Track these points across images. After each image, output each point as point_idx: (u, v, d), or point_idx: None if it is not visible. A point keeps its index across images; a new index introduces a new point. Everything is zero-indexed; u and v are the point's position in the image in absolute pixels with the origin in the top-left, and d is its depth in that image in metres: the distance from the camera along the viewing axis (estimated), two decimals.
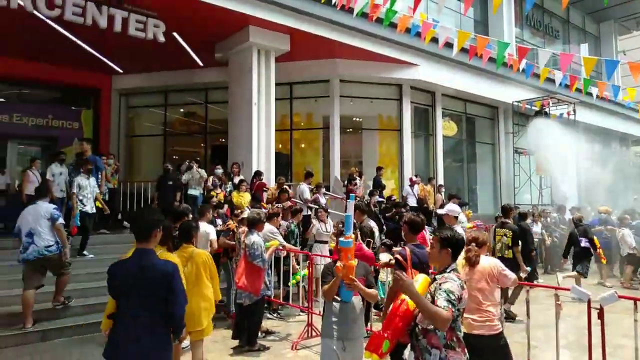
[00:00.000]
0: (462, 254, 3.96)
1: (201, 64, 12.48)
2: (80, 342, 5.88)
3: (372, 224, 7.42)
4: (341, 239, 3.33)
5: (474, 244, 3.98)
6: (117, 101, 14.29)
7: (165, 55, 11.50)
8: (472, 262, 3.90)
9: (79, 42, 10.67)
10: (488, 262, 3.96)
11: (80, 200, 7.74)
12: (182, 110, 14.78)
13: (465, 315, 3.62)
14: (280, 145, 12.65)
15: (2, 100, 12.62)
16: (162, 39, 9.25)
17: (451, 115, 15.64)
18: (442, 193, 12.87)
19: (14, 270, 6.42)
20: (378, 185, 11.33)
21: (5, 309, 6.17)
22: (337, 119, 12.67)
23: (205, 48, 11.34)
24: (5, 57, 11.65)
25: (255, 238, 5.65)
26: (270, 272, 5.89)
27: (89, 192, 7.91)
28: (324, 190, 10.25)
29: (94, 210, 8.08)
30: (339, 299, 3.50)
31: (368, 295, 3.61)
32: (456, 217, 5.82)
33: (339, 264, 3.36)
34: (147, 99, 14.60)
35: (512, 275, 4.00)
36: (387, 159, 13.66)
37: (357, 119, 14.15)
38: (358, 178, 11.10)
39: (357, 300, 3.59)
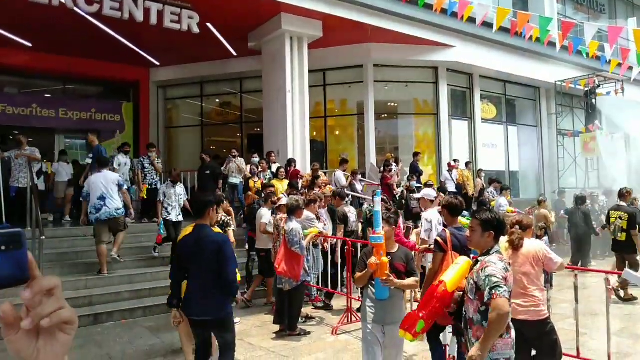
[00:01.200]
0: (505, 237, 3.86)
1: (235, 53, 12.56)
2: (128, 325, 6.13)
3: (348, 209, 7.69)
4: (371, 235, 3.28)
5: (517, 227, 3.85)
6: (156, 93, 14.63)
7: (200, 46, 11.64)
8: (515, 245, 3.79)
9: (117, 36, 10.93)
10: (533, 246, 3.83)
11: (165, 209, 7.64)
12: (217, 100, 14.98)
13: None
14: (314, 133, 12.64)
15: (48, 95, 13.17)
16: (196, 29, 9.37)
17: (490, 97, 15.16)
18: (482, 178, 12.54)
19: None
20: (415, 171, 11.14)
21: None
22: (371, 105, 12.51)
23: (239, 37, 11.39)
24: (51, 55, 12.11)
25: (294, 225, 5.69)
26: (309, 258, 5.93)
27: (174, 200, 7.69)
28: (359, 176, 10.17)
29: (180, 219, 7.75)
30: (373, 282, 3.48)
31: (407, 286, 3.57)
32: (432, 201, 6.18)
33: (372, 259, 3.32)
34: (183, 90, 14.88)
35: (558, 259, 3.86)
36: (423, 144, 13.41)
37: (392, 104, 13.94)
38: (394, 164, 10.95)
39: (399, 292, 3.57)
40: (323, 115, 13.10)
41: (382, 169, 11.17)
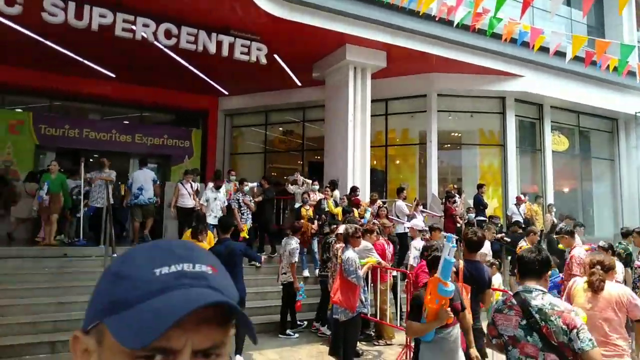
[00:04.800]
0: (584, 278, 3.57)
1: (299, 83, 12.91)
2: None
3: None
4: (441, 286, 3.01)
5: (598, 267, 3.55)
6: (223, 121, 15.30)
7: (266, 77, 12.10)
8: (595, 288, 3.48)
9: (191, 67, 11.63)
10: (616, 290, 3.50)
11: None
12: (280, 128, 15.39)
13: None
14: (375, 162, 12.57)
15: (126, 122, 14.17)
16: (264, 61, 9.74)
17: (561, 128, 14.41)
18: (553, 213, 11.81)
19: None
20: (479, 204, 10.72)
21: None
22: (434, 135, 12.30)
23: (303, 68, 11.72)
24: (131, 85, 13.09)
25: (350, 254, 5.60)
26: (366, 289, 5.79)
27: (213, 205, 8.61)
28: (421, 207, 9.93)
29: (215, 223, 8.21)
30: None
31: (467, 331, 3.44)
32: (420, 231, 6.86)
33: (443, 311, 3.09)
34: (249, 118, 15.45)
35: None
36: (488, 176, 12.91)
37: (456, 134, 13.61)
38: (457, 195, 10.61)
39: (455, 330, 3.37)
40: (384, 144, 13.03)
41: (443, 200, 10.87)
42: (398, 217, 9.57)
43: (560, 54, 9.75)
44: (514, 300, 2.63)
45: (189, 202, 8.97)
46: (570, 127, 14.63)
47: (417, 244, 6.66)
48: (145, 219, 9.52)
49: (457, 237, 9.76)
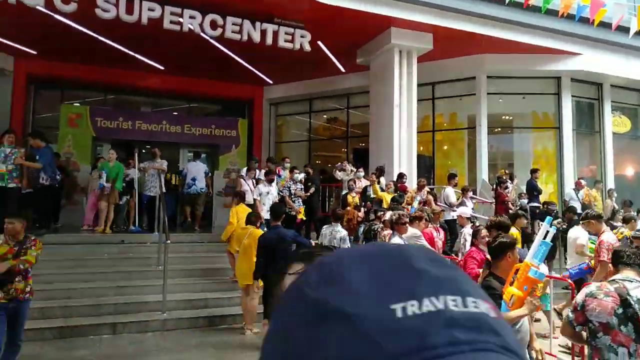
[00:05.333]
0: None
1: (343, 70, 12.79)
2: (238, 329, 6.41)
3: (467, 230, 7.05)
4: (534, 270, 2.74)
5: None
6: (268, 110, 15.46)
7: (310, 64, 12.05)
8: None
9: (236, 57, 11.78)
10: None
11: None
12: (325, 116, 15.36)
13: None
14: (421, 148, 12.31)
15: (175, 113, 14.60)
16: (307, 48, 9.70)
17: (623, 109, 13.51)
18: (614, 198, 11.16)
19: None
20: (533, 190, 10.28)
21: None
22: (484, 118, 11.86)
23: (347, 54, 11.58)
24: (179, 77, 13.45)
25: (397, 240, 5.55)
26: None
27: (266, 199, 8.50)
28: (471, 194, 9.65)
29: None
30: None
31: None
32: (468, 218, 6.63)
33: (530, 299, 2.80)
34: (293, 107, 15.51)
35: None
36: (542, 160, 12.35)
37: (507, 117, 13.09)
38: (509, 181, 10.22)
39: (525, 322, 3.23)
40: (431, 130, 12.73)
41: (494, 186, 10.51)
42: (446, 204, 9.35)
43: (623, 29, 9.14)
44: (610, 287, 2.56)
45: (250, 198, 8.75)
46: (632, 107, 13.69)
47: (469, 231, 6.52)
48: (197, 207, 10.26)
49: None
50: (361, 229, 8.80)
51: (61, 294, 6.64)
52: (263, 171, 9.44)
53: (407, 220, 5.91)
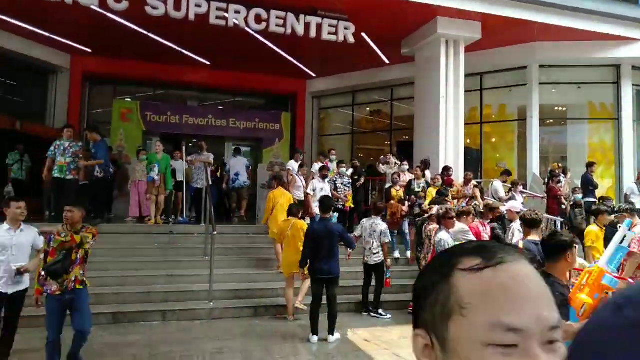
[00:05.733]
0: None
1: (387, 61, 12.60)
2: (284, 320, 6.48)
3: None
4: (608, 276, 2.52)
5: None
6: (311, 103, 15.48)
7: (353, 56, 11.96)
8: None
9: (279, 51, 11.85)
10: None
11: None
12: (368, 109, 15.21)
13: None
14: (469, 140, 11.95)
15: (221, 107, 14.89)
16: (351, 40, 9.61)
17: None
18: None
19: None
20: (589, 184, 9.76)
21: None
22: (536, 109, 11.36)
23: (391, 45, 11.38)
24: (224, 71, 13.69)
25: (443, 235, 5.45)
26: None
27: (321, 194, 8.31)
28: (521, 188, 9.29)
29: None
30: None
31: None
32: (518, 213, 6.31)
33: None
34: (336, 99, 15.45)
35: None
36: (599, 153, 11.69)
37: (560, 108, 12.48)
38: (562, 175, 9.76)
39: None
40: (479, 122, 12.32)
41: (546, 180, 10.07)
42: (494, 198, 9.04)
43: None
44: None
45: (301, 194, 8.76)
46: None
47: (518, 226, 6.30)
48: (240, 200, 10.75)
49: (562, 220, 9.05)
50: (405, 224, 8.68)
51: (114, 281, 6.94)
52: (316, 166, 9.51)
53: (455, 214, 5.76)
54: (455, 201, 8.28)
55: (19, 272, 4.34)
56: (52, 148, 8.27)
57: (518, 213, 6.80)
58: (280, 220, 7.32)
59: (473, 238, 6.24)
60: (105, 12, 9.29)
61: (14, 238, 4.45)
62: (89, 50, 12.59)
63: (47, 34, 11.42)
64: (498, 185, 9.01)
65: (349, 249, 6.77)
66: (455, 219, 5.83)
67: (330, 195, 8.12)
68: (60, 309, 4.11)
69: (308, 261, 5.80)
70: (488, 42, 10.68)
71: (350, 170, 9.83)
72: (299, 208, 7.04)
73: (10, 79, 12.29)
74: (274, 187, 8.20)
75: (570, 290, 2.75)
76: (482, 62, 11.51)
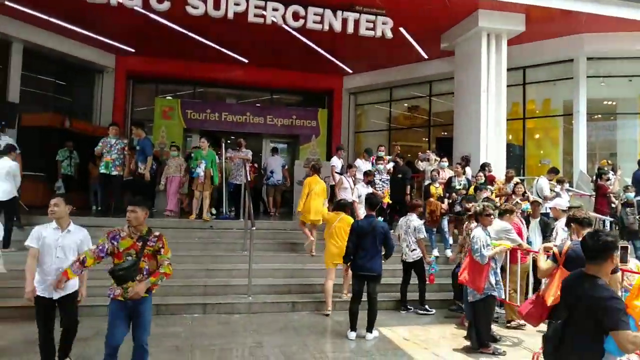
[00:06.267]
0: None
1: (426, 56, 12.40)
2: (321, 316, 6.49)
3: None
4: None
5: None
6: (347, 100, 15.43)
7: (391, 52, 11.84)
8: None
9: (316, 48, 11.86)
10: None
11: None
12: (405, 104, 15.01)
13: None
14: (510, 136, 11.59)
15: (258, 105, 15.06)
16: (389, 35, 9.48)
17: None
18: None
19: None
20: None
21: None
22: (583, 104, 10.89)
23: (430, 39, 11.19)
24: (261, 69, 13.84)
25: (477, 232, 5.32)
26: (497, 271, 5.39)
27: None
28: (567, 185, 8.93)
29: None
30: None
31: None
32: (564, 211, 6.38)
33: None
34: (373, 96, 15.35)
35: None
36: None
37: (610, 103, 11.91)
38: (611, 172, 9.32)
39: None
40: (522, 117, 11.94)
41: (594, 177, 9.65)
42: (538, 195, 8.72)
43: None
44: None
45: (349, 196, 8.33)
46: None
47: (562, 224, 6.14)
48: (275, 197, 11.42)
49: (611, 219, 8.64)
50: (444, 221, 8.51)
51: None
52: (360, 163, 9.47)
53: (492, 212, 5.60)
54: (497, 199, 8.04)
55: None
56: (99, 144, 8.61)
57: (564, 211, 6.59)
58: (313, 206, 7.72)
59: (517, 237, 6.04)
60: (147, 13, 9.57)
61: (60, 239, 4.06)
62: (133, 50, 13.00)
63: (94, 36, 11.89)
64: (544, 183, 8.68)
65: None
66: (493, 217, 5.68)
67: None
68: (122, 314, 3.69)
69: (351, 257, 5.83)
70: (532, 35, 10.34)
71: (391, 165, 9.71)
72: (348, 206, 7.05)
73: (61, 79, 12.86)
74: (310, 175, 8.30)
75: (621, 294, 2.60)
76: (525, 55, 11.18)
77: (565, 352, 2.51)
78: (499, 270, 5.51)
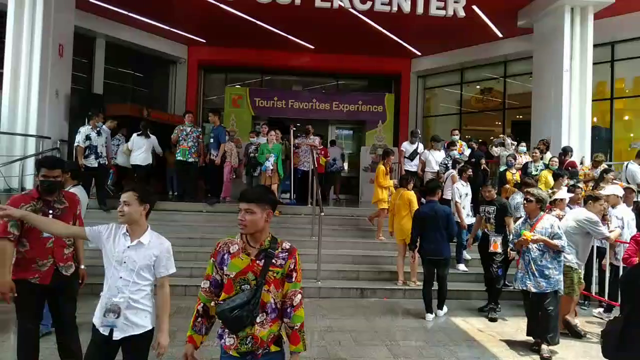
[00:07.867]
0: None
1: (500, 35, 11.73)
2: (389, 303, 6.42)
3: None
4: None
5: None
6: (415, 83, 15.01)
7: (462, 32, 11.31)
8: None
9: (384, 30, 11.59)
10: None
11: None
12: (478, 87, 14.34)
13: None
14: (596, 119, 10.72)
15: (324, 91, 15.05)
16: (462, 14, 9.06)
17: None
18: None
19: None
20: None
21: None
22: None
23: (506, 17, 10.55)
24: (327, 55, 13.79)
25: (549, 220, 4.88)
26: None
27: (466, 200, 7.67)
28: None
29: None
30: None
31: None
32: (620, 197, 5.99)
33: None
34: (442, 78, 14.81)
35: None
36: None
37: None
38: None
39: None
40: (609, 97, 10.98)
41: None
42: (628, 182, 7.99)
43: None
44: None
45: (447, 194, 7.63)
46: None
47: (618, 213, 5.89)
48: (335, 183, 12.02)
49: None
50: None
51: None
52: (408, 145, 9.27)
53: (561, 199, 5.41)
54: (583, 184, 7.46)
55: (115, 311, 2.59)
56: (175, 131, 9.01)
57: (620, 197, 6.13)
58: (399, 227, 7.00)
59: (605, 231, 5.50)
60: (217, 3, 9.82)
61: (126, 251, 2.65)
62: (204, 41, 13.45)
63: (168, 28, 12.42)
64: (635, 169, 7.94)
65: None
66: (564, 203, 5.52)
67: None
68: None
69: (418, 243, 5.96)
70: (622, 6, 9.45)
71: (468, 151, 9.32)
72: (409, 179, 7.10)
73: (138, 71, 13.60)
74: (376, 161, 8.43)
75: None
76: (614, 30, 10.28)
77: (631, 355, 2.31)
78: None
